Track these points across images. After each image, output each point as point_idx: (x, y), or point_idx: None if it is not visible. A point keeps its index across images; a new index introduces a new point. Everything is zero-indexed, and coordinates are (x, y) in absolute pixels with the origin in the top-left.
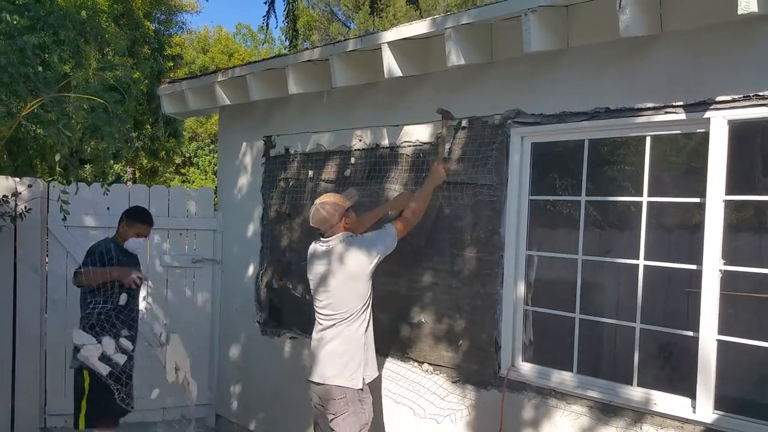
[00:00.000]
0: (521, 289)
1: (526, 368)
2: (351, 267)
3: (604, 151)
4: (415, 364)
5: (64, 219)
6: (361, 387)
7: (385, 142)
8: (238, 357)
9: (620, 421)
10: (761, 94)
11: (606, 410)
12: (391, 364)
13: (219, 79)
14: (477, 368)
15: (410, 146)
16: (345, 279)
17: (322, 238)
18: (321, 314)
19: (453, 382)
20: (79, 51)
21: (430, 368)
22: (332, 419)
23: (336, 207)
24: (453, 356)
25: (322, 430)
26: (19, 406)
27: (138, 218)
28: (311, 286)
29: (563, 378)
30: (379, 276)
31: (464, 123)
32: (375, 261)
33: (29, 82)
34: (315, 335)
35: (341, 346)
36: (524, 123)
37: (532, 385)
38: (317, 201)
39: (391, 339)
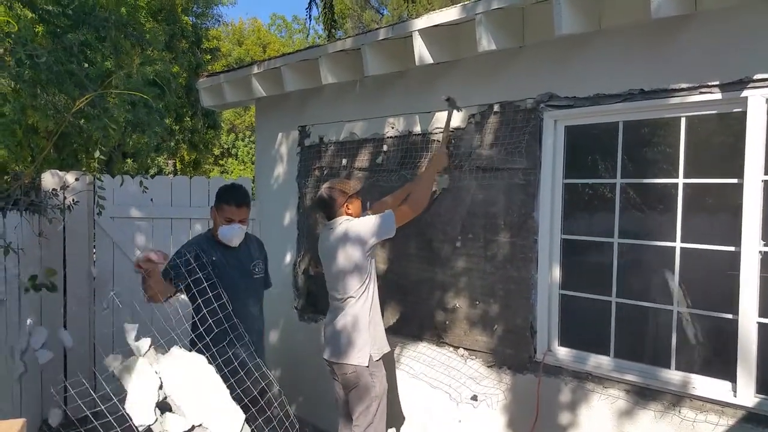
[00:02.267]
0: (556, 273)
1: (563, 352)
2: (348, 249)
3: (639, 133)
4: (451, 348)
5: (99, 214)
6: (367, 364)
7: (417, 129)
8: (277, 341)
9: (658, 405)
10: None
11: (643, 394)
12: (427, 350)
13: (255, 72)
14: (512, 353)
15: (442, 133)
16: (344, 261)
17: (327, 222)
18: (331, 295)
19: (489, 367)
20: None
21: (466, 353)
22: (348, 393)
23: (339, 193)
24: (488, 341)
25: (340, 407)
26: (70, 394)
27: (223, 199)
28: (323, 269)
29: (600, 362)
30: (414, 262)
31: (496, 108)
32: (370, 244)
33: (74, 79)
34: (327, 316)
35: (347, 325)
36: (557, 106)
37: (568, 370)
38: (322, 187)
39: (427, 324)
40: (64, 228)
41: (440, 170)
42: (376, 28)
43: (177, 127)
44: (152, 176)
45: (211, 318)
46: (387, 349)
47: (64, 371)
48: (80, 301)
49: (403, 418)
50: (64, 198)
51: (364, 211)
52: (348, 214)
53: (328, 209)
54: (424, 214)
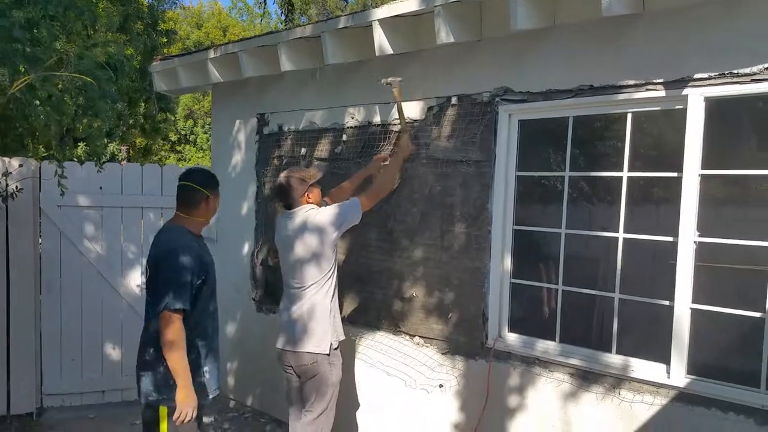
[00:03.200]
0: (508, 262)
1: (512, 338)
2: (312, 238)
3: (589, 128)
4: (407, 337)
5: (62, 194)
6: (328, 352)
7: (377, 120)
8: (234, 334)
9: (599, 387)
10: (735, 72)
11: (586, 377)
12: (384, 338)
13: (211, 56)
14: (465, 340)
15: (399, 122)
16: (307, 250)
17: (287, 211)
18: (288, 284)
19: (443, 354)
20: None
21: (421, 341)
22: (304, 382)
23: (299, 181)
24: (443, 329)
25: (292, 395)
26: (15, 388)
27: (217, 184)
28: (279, 258)
29: (547, 347)
30: (373, 252)
31: (454, 100)
32: (336, 233)
33: (17, 59)
34: (282, 304)
35: (307, 313)
36: (512, 100)
37: (517, 355)
38: (281, 175)
39: (384, 313)
40: (6, 216)
41: (407, 158)
42: (337, 16)
43: (130, 112)
44: (103, 163)
45: (205, 320)
46: (343, 337)
47: (7, 365)
48: (25, 291)
49: (358, 405)
50: (7, 185)
51: (322, 199)
52: (309, 203)
53: (288, 198)
54: (383, 204)
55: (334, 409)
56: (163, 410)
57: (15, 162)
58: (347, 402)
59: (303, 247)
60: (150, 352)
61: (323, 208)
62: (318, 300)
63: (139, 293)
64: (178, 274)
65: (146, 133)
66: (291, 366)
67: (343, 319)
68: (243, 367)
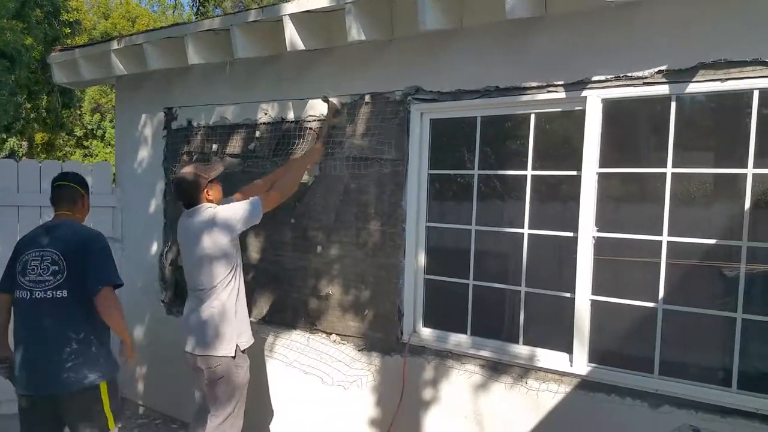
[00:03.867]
0: (421, 258)
1: (426, 333)
2: (213, 236)
3: (495, 127)
4: (324, 335)
5: None
6: (233, 354)
7: (291, 116)
8: (143, 338)
9: (508, 378)
10: (630, 74)
11: (496, 368)
12: (300, 337)
13: (114, 47)
14: (381, 336)
15: (316, 120)
16: (208, 249)
17: (186, 210)
18: (189, 285)
19: (359, 350)
20: None
21: (338, 338)
22: (208, 384)
23: (197, 178)
24: (359, 326)
25: (198, 399)
26: None
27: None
28: (182, 258)
29: (459, 340)
30: (288, 251)
31: (367, 98)
32: (234, 232)
33: None
34: (186, 306)
35: (213, 315)
36: (423, 99)
37: (431, 349)
38: (180, 172)
39: (300, 312)
40: None
41: (315, 161)
42: (247, 9)
43: (30, 105)
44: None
45: None
46: (252, 341)
47: None
48: None
49: (272, 411)
50: None
51: (229, 197)
52: (209, 200)
53: (186, 195)
54: (297, 202)
55: (242, 412)
56: (104, 386)
57: None
58: (263, 402)
59: (202, 247)
60: (80, 338)
61: (222, 206)
62: (222, 301)
63: None
64: (111, 254)
65: (49, 128)
66: (198, 369)
67: (258, 319)
68: (153, 371)
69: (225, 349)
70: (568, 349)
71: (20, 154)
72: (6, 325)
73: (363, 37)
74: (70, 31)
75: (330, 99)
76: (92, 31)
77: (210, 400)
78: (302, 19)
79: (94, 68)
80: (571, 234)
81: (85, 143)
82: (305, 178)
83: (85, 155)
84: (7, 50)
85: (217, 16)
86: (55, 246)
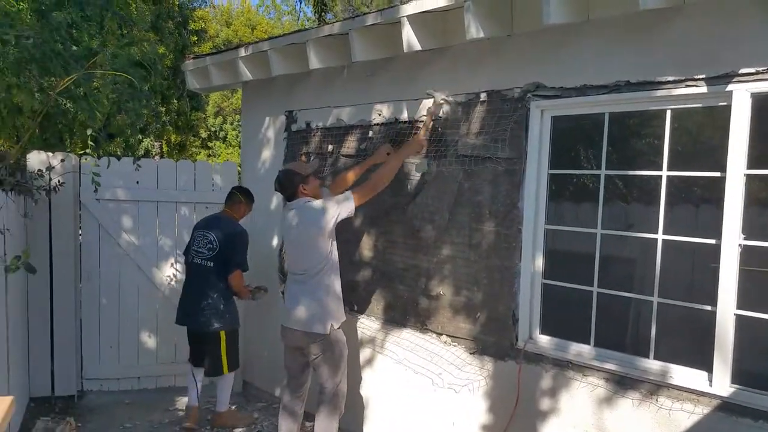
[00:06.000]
0: (539, 262)
1: (544, 340)
2: (306, 230)
3: (625, 125)
4: (434, 335)
5: (96, 191)
6: (328, 332)
7: (404, 116)
8: (263, 325)
9: (636, 393)
10: None
11: (622, 382)
12: (411, 336)
13: (242, 55)
14: (494, 340)
15: (424, 120)
16: (302, 240)
17: (287, 203)
18: (292, 270)
19: (471, 353)
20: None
21: (449, 339)
22: (316, 359)
23: (294, 174)
24: (471, 328)
25: (293, 373)
26: (58, 372)
27: (253, 201)
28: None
29: (581, 350)
30: (400, 250)
31: (483, 96)
32: (328, 225)
33: (60, 59)
34: (288, 289)
35: (311, 297)
36: (544, 96)
37: (549, 357)
38: (280, 169)
39: (411, 311)
40: (50, 209)
41: (411, 155)
42: (365, 13)
43: (163, 109)
44: (138, 158)
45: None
46: (344, 318)
47: (51, 349)
48: (66, 280)
49: (379, 407)
50: (50, 179)
51: (322, 189)
52: (305, 195)
53: (285, 191)
54: (411, 202)
55: (346, 379)
56: (223, 334)
57: (57, 157)
58: (370, 396)
59: (299, 237)
60: (214, 296)
61: (318, 201)
62: (320, 284)
63: (174, 284)
64: (246, 247)
65: (180, 130)
66: (299, 346)
67: (369, 315)
68: (271, 357)
69: (327, 326)
70: (707, 367)
71: (152, 154)
72: None
73: (482, 35)
74: (196, 39)
75: (434, 93)
76: (215, 39)
77: (320, 373)
78: (420, 19)
79: (222, 74)
80: (713, 241)
81: (209, 144)
82: (416, 171)
83: (209, 155)
84: (145, 59)
85: (334, 21)
86: (214, 231)
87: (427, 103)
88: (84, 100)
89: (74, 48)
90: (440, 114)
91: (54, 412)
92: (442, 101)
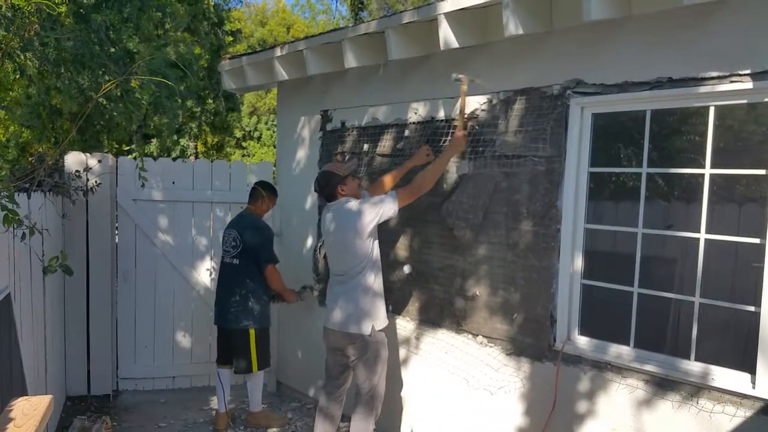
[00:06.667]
0: (578, 262)
1: (582, 342)
2: (347, 230)
3: (667, 122)
4: (469, 336)
5: (143, 186)
6: (370, 333)
7: (441, 115)
8: (297, 326)
9: (676, 395)
10: None
11: (662, 384)
12: (446, 336)
13: (277, 55)
14: (531, 341)
15: (458, 115)
16: (342, 239)
17: (327, 204)
18: (333, 270)
19: (507, 355)
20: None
21: (485, 340)
22: (355, 360)
23: (332, 176)
24: (507, 329)
25: (333, 374)
26: (94, 372)
27: (276, 194)
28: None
29: (620, 351)
30: (435, 249)
31: (521, 94)
32: (370, 225)
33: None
34: (330, 290)
35: (349, 298)
36: (584, 93)
37: (587, 359)
38: (319, 171)
39: (446, 311)
40: (87, 210)
41: (457, 153)
42: (401, 11)
43: (199, 110)
44: (174, 159)
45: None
46: (386, 322)
47: (87, 349)
48: (102, 280)
49: (414, 406)
50: (87, 180)
51: (363, 189)
52: (342, 195)
53: (324, 191)
54: (446, 200)
55: (384, 380)
56: (253, 332)
57: (94, 158)
58: (405, 396)
59: (340, 237)
60: (242, 293)
61: (358, 200)
62: (361, 284)
63: (209, 284)
64: (271, 241)
65: (217, 130)
66: (338, 347)
67: (405, 315)
68: (305, 358)
69: (366, 327)
70: (750, 368)
71: (188, 154)
72: None
73: (521, 31)
74: (232, 39)
75: (459, 76)
76: (250, 39)
77: (356, 375)
78: (457, 16)
79: (258, 74)
80: (756, 240)
81: (244, 144)
82: (457, 172)
83: (244, 155)
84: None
85: (370, 20)
86: (236, 228)
87: (467, 99)
88: (121, 100)
89: (112, 50)
90: (473, 107)
91: (90, 411)
92: (471, 79)
